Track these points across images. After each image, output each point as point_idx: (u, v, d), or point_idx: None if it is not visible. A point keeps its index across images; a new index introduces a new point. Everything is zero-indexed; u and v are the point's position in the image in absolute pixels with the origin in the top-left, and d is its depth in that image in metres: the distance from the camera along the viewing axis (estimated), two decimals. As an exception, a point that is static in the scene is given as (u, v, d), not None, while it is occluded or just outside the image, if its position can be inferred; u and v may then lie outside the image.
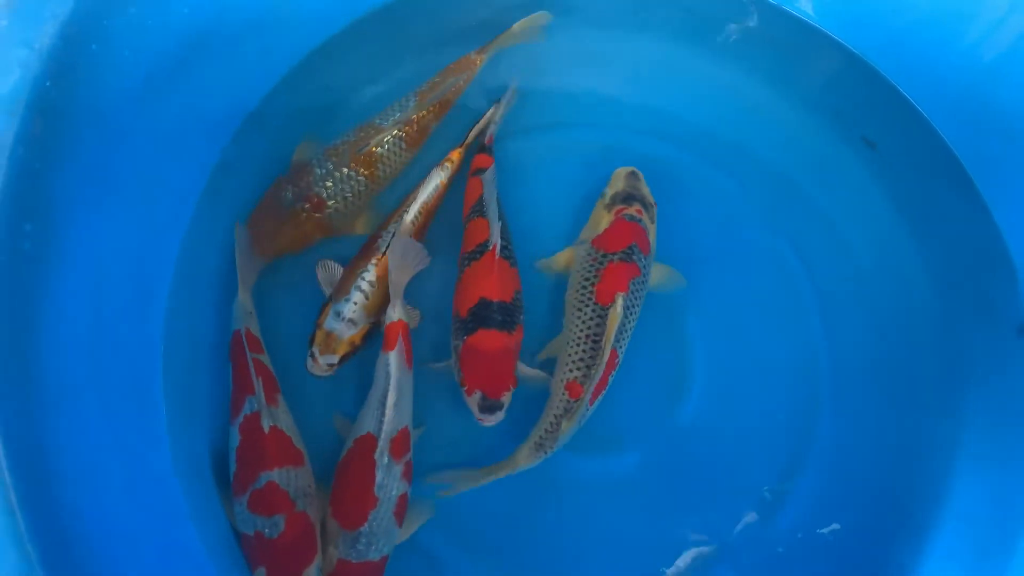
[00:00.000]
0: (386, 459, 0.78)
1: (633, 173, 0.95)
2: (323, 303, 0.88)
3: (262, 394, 0.78)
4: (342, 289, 0.87)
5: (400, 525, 0.81)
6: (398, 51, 1.02)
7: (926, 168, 0.98)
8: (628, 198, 0.91)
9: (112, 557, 0.57)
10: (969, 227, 0.95)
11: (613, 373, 0.85)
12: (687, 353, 0.96)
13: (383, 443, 0.78)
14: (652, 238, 0.91)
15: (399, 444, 0.79)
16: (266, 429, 0.77)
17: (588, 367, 0.84)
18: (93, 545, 0.56)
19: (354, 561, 0.78)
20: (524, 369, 0.89)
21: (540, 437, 0.84)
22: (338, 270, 0.90)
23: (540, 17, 0.98)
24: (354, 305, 0.85)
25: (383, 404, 0.79)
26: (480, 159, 0.95)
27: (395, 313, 0.84)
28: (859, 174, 1.01)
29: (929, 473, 0.92)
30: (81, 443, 0.59)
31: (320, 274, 0.90)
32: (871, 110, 1.00)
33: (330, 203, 0.90)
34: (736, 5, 1.01)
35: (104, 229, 0.67)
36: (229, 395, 0.83)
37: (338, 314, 0.85)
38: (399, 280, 0.86)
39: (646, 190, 0.94)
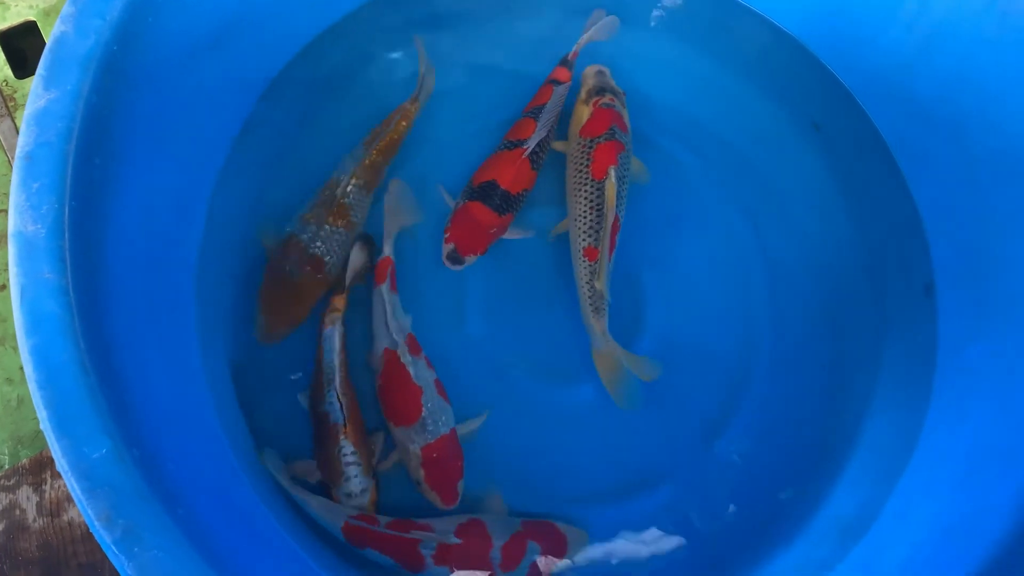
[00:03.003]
0: (409, 357, 0.93)
1: (600, 71, 1.08)
2: (327, 493, 0.91)
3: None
4: (334, 475, 0.89)
5: (448, 402, 0.95)
6: (409, 28, 1.12)
7: (858, 147, 1.10)
8: (600, 90, 1.05)
9: (150, 421, 0.72)
10: (891, 200, 1.07)
11: (618, 234, 0.99)
12: (642, 302, 1.06)
13: (401, 347, 0.94)
14: (626, 120, 1.05)
15: (412, 345, 0.95)
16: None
17: (597, 232, 0.97)
18: (137, 407, 0.71)
19: (432, 440, 0.91)
20: (513, 232, 1.04)
21: (590, 303, 0.97)
22: (309, 464, 0.92)
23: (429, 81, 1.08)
24: (356, 479, 0.89)
25: (386, 322, 0.95)
26: (559, 71, 1.09)
27: (386, 250, 0.99)
28: (805, 150, 1.13)
29: (847, 413, 1.03)
30: (130, 331, 0.74)
31: (299, 470, 0.92)
32: (815, 95, 1.13)
33: (327, 259, 0.96)
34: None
35: (153, 164, 0.81)
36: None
37: (349, 495, 0.89)
38: (392, 225, 1.00)
39: (613, 82, 1.08)
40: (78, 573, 0.99)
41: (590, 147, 1.01)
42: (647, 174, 1.08)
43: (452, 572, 0.88)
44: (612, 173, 0.97)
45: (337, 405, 0.91)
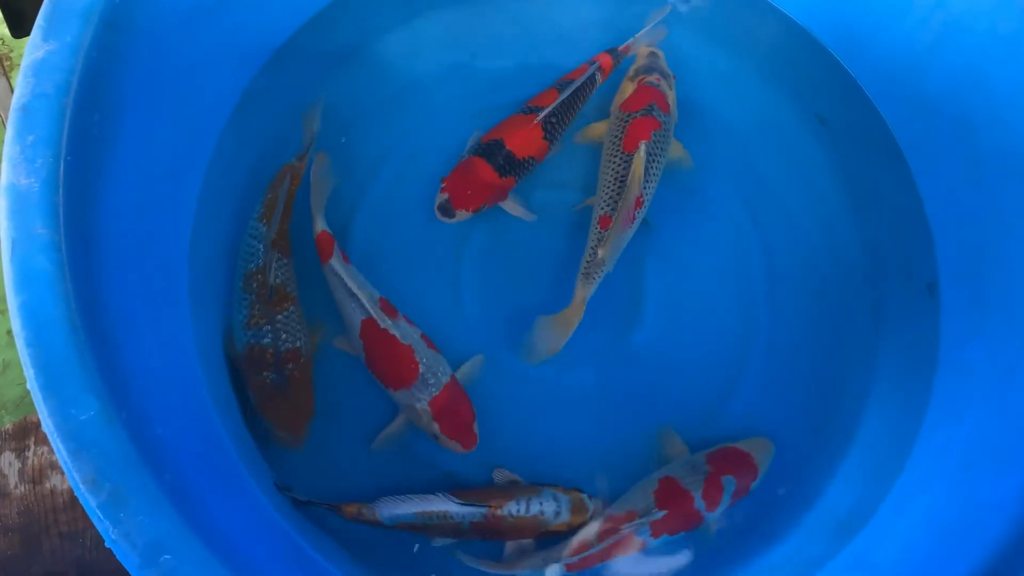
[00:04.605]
0: (389, 321, 0.93)
1: (653, 52, 1.08)
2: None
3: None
4: (538, 533, 0.91)
5: (438, 352, 0.95)
6: (414, 3, 1.11)
7: (864, 142, 1.09)
8: (648, 69, 1.06)
9: (138, 384, 0.70)
10: (896, 196, 1.06)
11: (639, 210, 0.98)
12: (643, 290, 1.05)
13: (376, 314, 0.92)
14: (671, 101, 1.05)
15: (387, 308, 0.94)
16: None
17: (616, 203, 0.97)
18: (126, 370, 0.69)
19: (437, 392, 0.92)
20: (512, 205, 1.03)
21: (586, 267, 0.97)
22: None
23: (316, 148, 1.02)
24: (550, 508, 0.91)
25: (353, 294, 0.93)
26: (603, 55, 1.07)
27: (322, 225, 0.96)
28: (809, 143, 1.12)
29: (843, 409, 1.03)
30: (121, 292, 0.72)
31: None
32: (822, 87, 1.12)
33: (298, 345, 0.92)
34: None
35: (152, 124, 0.79)
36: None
37: (562, 519, 0.91)
38: (321, 199, 0.98)
39: (664, 64, 1.08)
40: (59, 541, 0.98)
41: (626, 121, 1.01)
42: (689, 159, 1.08)
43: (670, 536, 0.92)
44: (643, 148, 0.97)
45: (466, 517, 0.89)
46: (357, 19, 1.10)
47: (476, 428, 0.94)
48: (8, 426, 1.02)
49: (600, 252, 0.95)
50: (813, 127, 1.12)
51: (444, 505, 0.89)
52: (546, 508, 0.91)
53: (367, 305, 0.92)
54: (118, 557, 0.60)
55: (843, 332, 1.06)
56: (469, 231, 1.06)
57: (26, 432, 1.01)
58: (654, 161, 0.99)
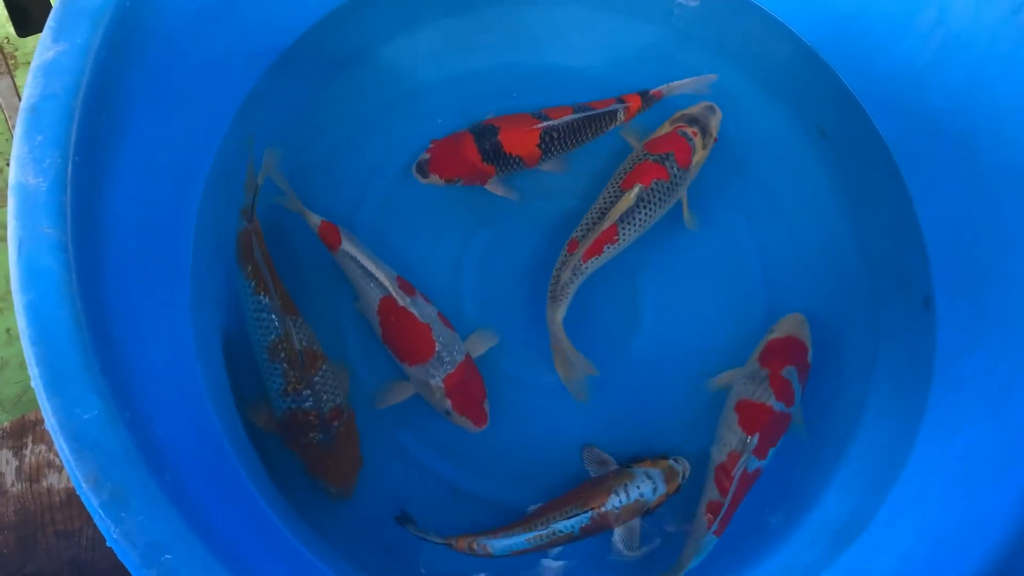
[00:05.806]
0: (407, 299, 0.95)
1: (711, 107, 1.07)
2: None
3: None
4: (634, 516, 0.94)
5: (454, 331, 0.97)
6: (419, 10, 1.12)
7: (863, 156, 1.10)
8: (692, 120, 1.05)
9: (141, 384, 0.71)
10: (893, 211, 1.07)
11: (609, 246, 0.98)
12: (641, 299, 1.06)
13: (395, 292, 0.95)
14: (696, 159, 1.03)
15: (405, 286, 0.97)
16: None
17: (588, 231, 0.98)
18: (129, 370, 0.69)
19: (452, 370, 0.93)
20: (495, 186, 1.05)
21: (551, 290, 0.98)
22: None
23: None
24: (646, 488, 0.93)
25: (371, 274, 0.95)
26: (632, 96, 1.06)
27: (315, 218, 0.98)
28: (809, 157, 1.13)
29: (839, 421, 1.04)
30: (125, 293, 0.73)
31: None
32: (822, 101, 1.12)
33: (339, 400, 0.93)
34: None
35: (158, 126, 0.80)
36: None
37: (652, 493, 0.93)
38: (292, 191, 0.99)
39: (714, 124, 1.06)
40: (54, 540, 0.97)
41: (638, 159, 1.02)
42: (695, 221, 1.06)
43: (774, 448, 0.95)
44: (635, 190, 0.98)
45: (575, 525, 0.90)
46: (361, 24, 1.10)
47: (487, 407, 0.96)
48: (6, 424, 1.01)
49: (562, 275, 0.97)
50: (813, 140, 1.13)
51: (551, 524, 0.90)
52: (644, 490, 0.92)
53: (386, 284, 0.95)
54: (119, 556, 0.60)
55: (840, 342, 1.07)
56: (469, 237, 1.07)
57: (23, 430, 1.01)
58: (645, 208, 0.99)
